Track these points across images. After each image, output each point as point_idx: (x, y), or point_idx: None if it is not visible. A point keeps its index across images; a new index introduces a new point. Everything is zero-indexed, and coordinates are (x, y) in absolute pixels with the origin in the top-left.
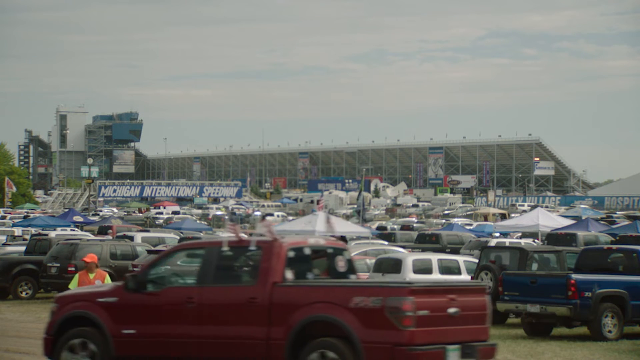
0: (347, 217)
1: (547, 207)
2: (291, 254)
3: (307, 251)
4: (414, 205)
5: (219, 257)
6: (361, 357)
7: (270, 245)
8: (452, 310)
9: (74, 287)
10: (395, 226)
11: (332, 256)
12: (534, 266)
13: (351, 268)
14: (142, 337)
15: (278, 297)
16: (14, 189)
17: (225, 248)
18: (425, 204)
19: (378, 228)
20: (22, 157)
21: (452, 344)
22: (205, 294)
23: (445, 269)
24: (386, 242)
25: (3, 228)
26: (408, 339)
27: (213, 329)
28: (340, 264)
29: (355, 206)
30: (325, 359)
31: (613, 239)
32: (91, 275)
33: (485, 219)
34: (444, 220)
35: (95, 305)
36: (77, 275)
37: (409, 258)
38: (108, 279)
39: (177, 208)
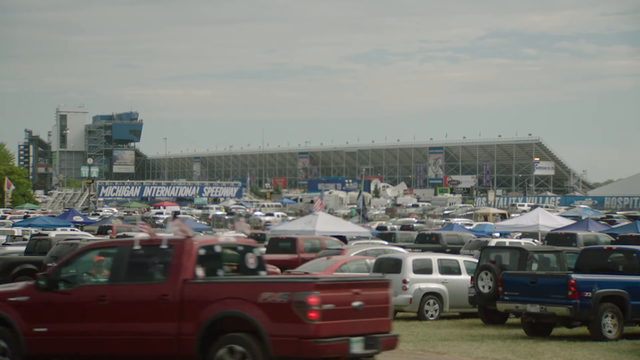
0: (345, 217)
1: (547, 207)
2: (202, 251)
3: (218, 249)
4: (414, 205)
5: (131, 255)
6: (269, 350)
7: (181, 244)
8: (356, 303)
9: None
10: (395, 226)
11: (243, 254)
12: (534, 266)
13: (261, 265)
14: (54, 335)
15: (189, 294)
16: (12, 187)
17: (137, 247)
18: (425, 204)
19: (378, 228)
20: (22, 157)
21: (356, 336)
22: (117, 292)
23: (445, 269)
24: (386, 242)
25: (3, 228)
26: (314, 331)
27: (125, 326)
28: (251, 261)
29: (355, 206)
30: (233, 353)
31: (613, 239)
32: None
33: (485, 219)
34: (444, 220)
35: (6, 304)
36: None
37: (409, 258)
38: None
39: (177, 208)
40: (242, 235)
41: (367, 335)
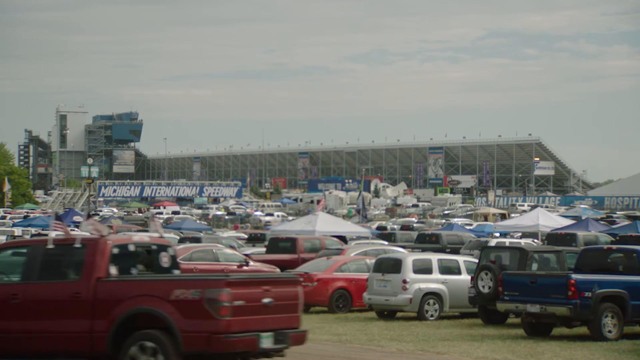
0: (343, 217)
1: (547, 207)
2: (115, 250)
3: (132, 248)
4: (414, 205)
5: (44, 254)
6: (180, 346)
7: (95, 243)
8: (266, 300)
9: None
10: (395, 226)
11: (157, 253)
12: (534, 266)
13: (175, 264)
14: None
15: (102, 292)
16: (8, 187)
17: (50, 246)
18: (425, 204)
19: (378, 228)
20: (22, 157)
21: (265, 331)
22: (30, 291)
23: (445, 269)
24: (386, 242)
25: (3, 228)
26: (224, 327)
27: (38, 324)
28: (164, 260)
29: (354, 206)
30: (145, 349)
31: (613, 239)
32: None
33: (485, 219)
34: (444, 220)
35: None
36: None
37: (409, 258)
38: None
39: (177, 208)
40: (157, 234)
41: (277, 331)
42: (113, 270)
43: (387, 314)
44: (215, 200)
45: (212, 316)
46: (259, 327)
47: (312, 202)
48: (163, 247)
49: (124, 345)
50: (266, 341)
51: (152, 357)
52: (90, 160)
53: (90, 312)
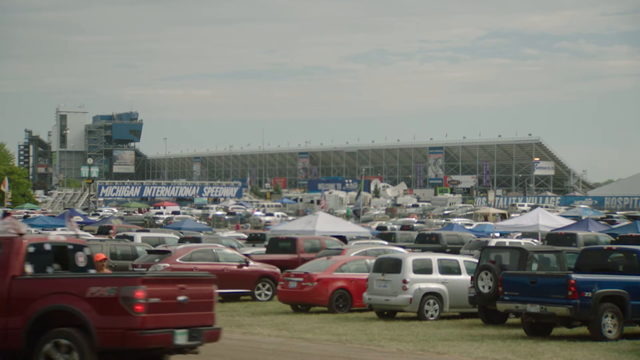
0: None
1: (547, 207)
2: (31, 249)
3: (48, 247)
4: (414, 205)
5: None
6: (95, 342)
7: (11, 241)
8: (181, 298)
9: None
10: (395, 226)
11: (73, 252)
12: (534, 266)
13: (90, 263)
14: None
15: (16, 290)
16: (6, 188)
17: None
18: (425, 204)
19: (378, 228)
20: (22, 157)
21: (180, 328)
22: None
23: (445, 269)
24: (386, 242)
25: None
26: (140, 324)
27: None
28: (80, 259)
29: (353, 206)
30: (59, 347)
31: (613, 239)
32: None
33: (485, 219)
34: (444, 220)
35: None
36: None
37: (409, 258)
38: None
39: (177, 208)
40: (73, 234)
41: (191, 328)
42: (29, 268)
43: (387, 314)
44: (215, 200)
45: (127, 313)
46: (173, 324)
47: (312, 202)
48: (79, 247)
49: (39, 342)
50: (181, 338)
51: (67, 355)
52: (90, 160)
53: (4, 309)
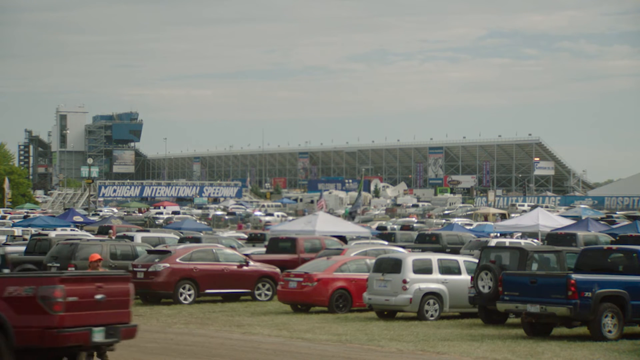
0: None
1: (547, 207)
2: None
3: None
4: (414, 205)
5: None
6: (12, 341)
7: None
8: (99, 296)
9: None
10: (395, 226)
11: None
12: (534, 266)
13: (4, 263)
14: None
15: None
16: (7, 189)
17: None
18: (425, 204)
19: (378, 228)
20: (22, 157)
21: (98, 326)
22: None
23: (445, 269)
24: (386, 242)
25: (3, 228)
26: (58, 322)
27: None
28: None
29: (352, 206)
30: None
31: (613, 239)
32: None
33: (485, 219)
34: (444, 220)
35: None
36: None
37: (409, 258)
38: None
39: (177, 208)
40: None
41: (108, 326)
42: None
43: (387, 314)
44: (215, 200)
45: (45, 312)
46: (91, 322)
47: (312, 202)
48: None
49: None
50: (98, 335)
51: None
52: (90, 160)
53: None
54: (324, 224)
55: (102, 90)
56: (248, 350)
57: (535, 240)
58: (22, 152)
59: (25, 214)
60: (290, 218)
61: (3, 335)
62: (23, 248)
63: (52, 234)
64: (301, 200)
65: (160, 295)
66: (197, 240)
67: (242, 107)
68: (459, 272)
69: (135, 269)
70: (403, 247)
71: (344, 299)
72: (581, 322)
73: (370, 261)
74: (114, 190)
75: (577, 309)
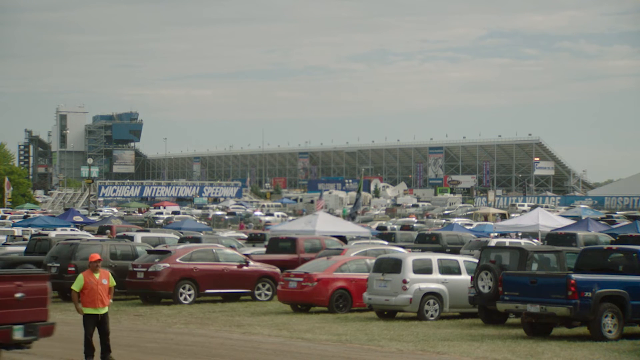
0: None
1: (547, 207)
2: None
3: None
4: (414, 205)
5: None
6: None
7: None
8: (18, 295)
9: (78, 287)
10: (395, 226)
11: None
12: (534, 266)
13: None
14: None
15: None
16: (10, 188)
17: None
18: (425, 204)
19: (378, 228)
20: (22, 157)
21: (17, 324)
22: None
23: (445, 269)
24: (386, 242)
25: (3, 228)
26: None
27: None
28: None
29: (351, 206)
30: None
31: (613, 239)
32: (97, 275)
33: (485, 219)
34: (444, 220)
35: None
36: (81, 276)
37: (409, 258)
38: (112, 278)
39: (177, 208)
40: None
41: (28, 324)
42: None
43: (387, 314)
44: (215, 200)
45: None
46: (11, 320)
47: (312, 202)
48: None
49: None
50: (18, 333)
51: None
52: (90, 160)
53: None
54: (324, 224)
55: (102, 90)
56: (248, 350)
57: (535, 240)
58: (22, 152)
59: (25, 214)
60: (290, 218)
61: None
62: (23, 248)
63: (52, 234)
64: (301, 200)
65: (160, 295)
66: (197, 240)
67: (242, 107)
68: (459, 272)
69: (135, 269)
70: (403, 247)
71: (344, 299)
72: (581, 322)
73: (370, 261)
74: (114, 190)
75: (577, 309)
